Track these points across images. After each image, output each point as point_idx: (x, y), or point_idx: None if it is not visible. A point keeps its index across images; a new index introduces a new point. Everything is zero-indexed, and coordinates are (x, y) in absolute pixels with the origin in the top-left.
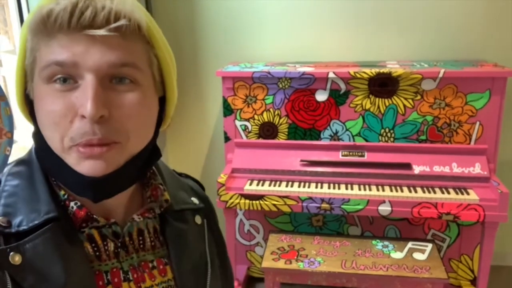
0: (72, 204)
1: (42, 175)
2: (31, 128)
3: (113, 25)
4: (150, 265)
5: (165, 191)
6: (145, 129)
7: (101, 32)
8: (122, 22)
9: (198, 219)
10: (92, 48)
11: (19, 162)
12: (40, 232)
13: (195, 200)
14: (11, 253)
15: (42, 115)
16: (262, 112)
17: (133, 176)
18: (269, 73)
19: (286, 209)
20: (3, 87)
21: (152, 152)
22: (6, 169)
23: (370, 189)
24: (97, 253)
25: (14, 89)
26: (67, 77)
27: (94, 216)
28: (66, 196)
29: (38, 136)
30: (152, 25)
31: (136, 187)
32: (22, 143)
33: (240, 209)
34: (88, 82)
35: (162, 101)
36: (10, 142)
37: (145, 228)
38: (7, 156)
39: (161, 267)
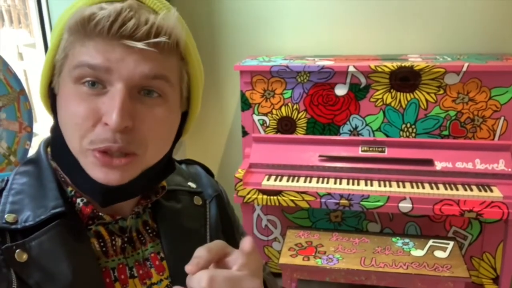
0: (78, 200)
1: (51, 173)
2: (51, 121)
3: (152, 40)
4: (159, 256)
5: None
6: (165, 143)
7: (139, 45)
8: (161, 38)
9: (197, 200)
10: (128, 57)
11: (27, 161)
12: (47, 228)
13: (192, 184)
14: (17, 251)
15: (65, 114)
16: (280, 106)
17: (144, 186)
18: (287, 67)
19: (304, 204)
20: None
21: (166, 165)
22: (14, 170)
23: (390, 186)
24: (104, 249)
25: (39, 81)
26: (96, 81)
27: (100, 214)
28: (73, 193)
29: (56, 131)
30: (189, 42)
31: None
32: (43, 135)
33: (258, 205)
34: (117, 91)
35: (184, 115)
36: (30, 136)
37: (149, 219)
38: (27, 150)
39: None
